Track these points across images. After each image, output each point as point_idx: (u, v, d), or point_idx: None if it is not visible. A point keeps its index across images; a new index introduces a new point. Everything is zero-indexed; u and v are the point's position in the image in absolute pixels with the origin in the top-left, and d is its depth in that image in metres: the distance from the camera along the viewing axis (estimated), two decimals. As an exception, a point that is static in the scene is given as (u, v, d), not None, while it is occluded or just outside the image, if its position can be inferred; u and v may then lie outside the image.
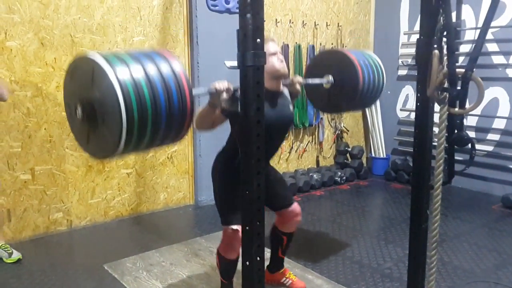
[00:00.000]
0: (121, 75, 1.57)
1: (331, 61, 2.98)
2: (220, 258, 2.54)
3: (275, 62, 2.37)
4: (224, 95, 2.11)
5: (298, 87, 2.60)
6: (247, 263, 1.60)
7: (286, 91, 2.55)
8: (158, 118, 1.64)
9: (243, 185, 1.60)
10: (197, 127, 2.33)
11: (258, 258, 1.60)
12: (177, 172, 4.48)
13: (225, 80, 2.11)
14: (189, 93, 1.72)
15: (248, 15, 1.53)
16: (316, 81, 2.91)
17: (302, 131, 5.50)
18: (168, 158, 4.39)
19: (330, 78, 2.90)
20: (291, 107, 2.53)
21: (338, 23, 5.65)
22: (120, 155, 1.70)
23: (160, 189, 4.40)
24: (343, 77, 2.88)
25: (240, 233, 2.40)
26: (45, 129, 3.66)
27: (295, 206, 2.69)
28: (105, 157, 1.77)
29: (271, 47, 2.38)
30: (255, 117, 1.57)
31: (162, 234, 3.81)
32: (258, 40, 1.55)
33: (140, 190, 4.25)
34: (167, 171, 4.41)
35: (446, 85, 1.94)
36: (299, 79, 2.58)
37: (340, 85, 2.90)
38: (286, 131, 2.60)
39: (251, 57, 1.54)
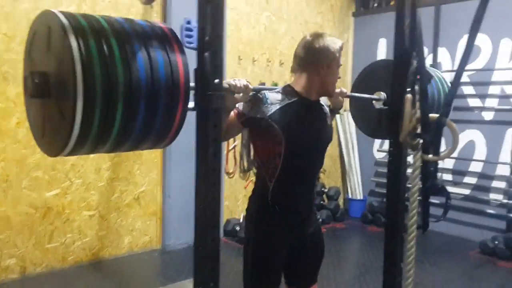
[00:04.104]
0: (84, 36, 1.21)
1: (385, 75, 2.27)
2: None
3: (335, 79, 1.92)
4: (241, 96, 1.72)
5: (341, 100, 2.14)
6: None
7: (324, 100, 2.08)
8: (134, 90, 1.25)
9: (196, 199, 1.43)
10: None
11: (212, 284, 1.41)
12: (144, 214, 4.25)
13: (243, 78, 1.76)
14: (183, 65, 1.35)
15: (206, 54, 1.42)
16: (365, 96, 2.35)
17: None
18: (135, 199, 4.17)
19: (383, 95, 2.33)
20: (329, 121, 2.04)
21: (314, 64, 5.63)
22: (82, 148, 1.28)
23: (124, 232, 4.14)
24: None
25: None
26: (1, 167, 3.43)
27: None
28: (60, 148, 1.28)
29: (340, 58, 1.94)
30: (211, 164, 1.43)
31: (123, 283, 3.56)
32: (217, 80, 1.42)
33: (103, 233, 4.00)
34: (133, 212, 4.18)
35: (419, 130, 1.85)
36: (343, 90, 2.11)
37: None
38: (324, 149, 2.04)
39: (208, 99, 1.41)
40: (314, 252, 2.07)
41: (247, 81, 1.73)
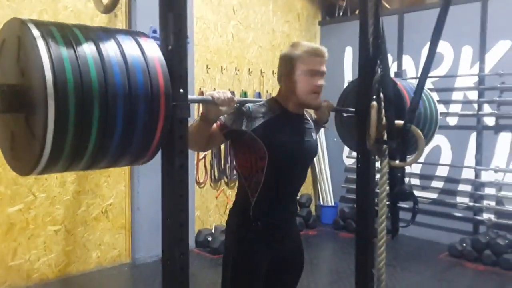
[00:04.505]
0: (56, 47, 1.13)
1: None
2: None
3: (308, 88, 1.81)
4: (224, 109, 1.62)
5: (327, 113, 2.06)
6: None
7: (309, 114, 2.04)
8: (111, 104, 1.17)
9: (163, 212, 1.38)
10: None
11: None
12: (112, 228, 4.14)
13: (227, 90, 1.65)
14: (164, 76, 1.27)
15: (170, 64, 1.39)
16: (350, 110, 2.19)
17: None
18: (102, 212, 4.06)
19: None
20: (314, 135, 1.98)
21: (283, 72, 5.66)
22: (55, 167, 1.19)
23: (92, 247, 4.02)
24: None
25: None
26: (-40, 183, 3.29)
27: None
28: (31, 167, 1.19)
29: (319, 64, 1.82)
30: (178, 176, 1.39)
31: (92, 299, 3.45)
32: (181, 90, 1.39)
33: (70, 248, 3.86)
34: (101, 226, 4.06)
35: (385, 137, 1.87)
36: (329, 103, 2.03)
37: None
38: (308, 164, 2.01)
39: (173, 110, 1.37)
40: (294, 267, 2.02)
41: (231, 94, 1.65)
